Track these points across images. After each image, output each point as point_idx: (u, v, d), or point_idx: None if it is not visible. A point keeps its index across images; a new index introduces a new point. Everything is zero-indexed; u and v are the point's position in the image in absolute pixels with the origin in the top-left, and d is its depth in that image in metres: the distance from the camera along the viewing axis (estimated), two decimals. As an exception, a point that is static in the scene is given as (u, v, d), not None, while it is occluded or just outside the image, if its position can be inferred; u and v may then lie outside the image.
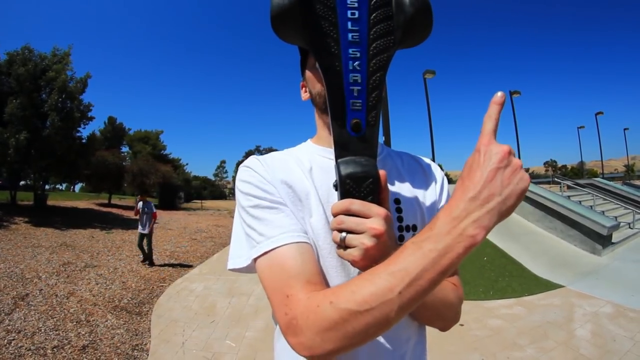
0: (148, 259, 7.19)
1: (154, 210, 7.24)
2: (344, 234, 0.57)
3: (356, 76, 0.60)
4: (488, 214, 0.48)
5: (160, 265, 7.19)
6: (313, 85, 0.75)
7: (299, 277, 0.59)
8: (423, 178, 0.82)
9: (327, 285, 0.64)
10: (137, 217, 7.19)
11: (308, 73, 0.77)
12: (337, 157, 0.62)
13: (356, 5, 0.59)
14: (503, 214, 0.48)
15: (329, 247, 0.68)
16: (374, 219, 0.56)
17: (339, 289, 0.54)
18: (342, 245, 0.58)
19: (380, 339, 0.70)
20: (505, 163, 0.48)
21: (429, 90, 14.44)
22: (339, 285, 0.57)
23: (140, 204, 7.21)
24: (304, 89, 0.83)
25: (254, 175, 0.71)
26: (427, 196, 0.80)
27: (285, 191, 0.70)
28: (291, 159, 0.79)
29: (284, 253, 0.62)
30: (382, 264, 0.52)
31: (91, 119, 14.22)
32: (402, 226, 0.74)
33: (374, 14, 0.60)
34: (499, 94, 0.52)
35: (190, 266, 7.39)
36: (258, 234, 0.65)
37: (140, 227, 7.12)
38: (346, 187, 0.59)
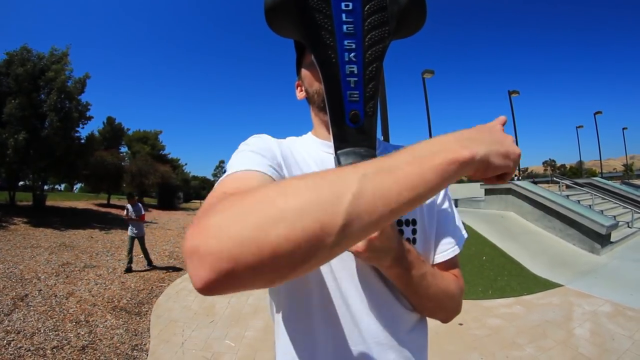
0: (146, 260, 7.02)
1: (143, 212, 6.97)
2: None
3: (352, 67, 0.60)
4: (476, 142, 0.46)
5: (159, 267, 7.18)
6: (310, 83, 0.75)
7: (240, 183, 0.54)
8: None
9: None
10: (127, 219, 6.93)
11: (304, 71, 0.77)
12: (336, 148, 0.62)
13: None
14: (493, 154, 0.47)
15: None
16: None
17: (341, 169, 0.43)
18: None
19: (382, 330, 0.70)
20: (499, 129, 0.53)
21: (427, 89, 14.47)
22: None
23: (130, 207, 6.90)
24: (299, 88, 0.83)
25: (262, 142, 0.72)
26: None
27: (288, 169, 0.70)
28: (293, 144, 0.80)
29: (246, 174, 0.57)
30: None
31: (90, 118, 14.18)
32: (401, 220, 0.75)
33: (368, 5, 0.59)
34: (502, 117, 0.58)
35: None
36: (238, 164, 0.61)
37: (130, 229, 6.87)
38: None
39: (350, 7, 0.59)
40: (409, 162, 0.41)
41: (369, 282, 0.72)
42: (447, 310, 0.78)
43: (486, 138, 0.48)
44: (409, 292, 0.71)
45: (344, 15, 0.59)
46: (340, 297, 0.71)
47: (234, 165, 0.61)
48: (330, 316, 0.71)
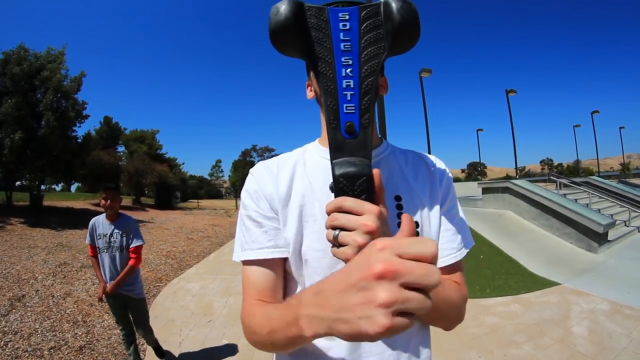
0: (152, 347, 3.38)
1: (141, 242, 2.95)
2: (337, 231, 0.57)
3: (349, 81, 0.63)
4: (318, 320, 0.45)
5: (157, 265, 7.16)
6: (317, 85, 0.75)
7: (253, 289, 0.75)
8: (427, 174, 0.83)
9: (279, 295, 0.78)
10: (92, 256, 2.97)
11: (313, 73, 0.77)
12: (332, 158, 0.64)
13: (347, 17, 0.63)
14: (333, 332, 0.43)
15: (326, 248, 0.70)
16: (366, 215, 0.56)
17: (268, 309, 0.68)
18: (336, 243, 0.58)
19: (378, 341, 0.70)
20: (363, 285, 0.39)
21: (425, 88, 14.47)
22: (273, 305, 0.70)
23: (100, 223, 2.93)
24: (309, 87, 0.84)
25: (255, 188, 0.80)
26: (431, 192, 0.80)
27: (283, 201, 0.77)
28: (295, 162, 0.83)
29: (251, 267, 0.76)
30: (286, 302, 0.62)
31: (86, 117, 14.15)
32: None
33: (365, 24, 0.63)
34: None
35: (186, 266, 7.37)
36: (244, 241, 0.78)
37: (106, 275, 2.88)
38: (339, 185, 0.61)
39: (348, 27, 0.63)
40: (282, 326, 0.56)
41: None
42: (448, 320, 0.76)
43: (330, 311, 0.43)
44: None
45: (341, 34, 0.63)
46: None
47: (242, 242, 0.79)
48: None
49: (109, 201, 2.87)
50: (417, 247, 0.39)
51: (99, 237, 2.90)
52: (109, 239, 2.88)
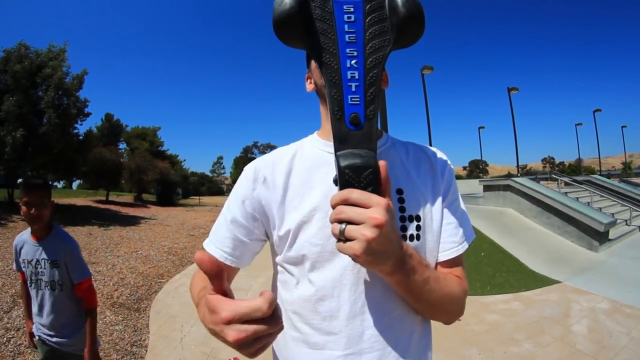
0: None
1: (87, 274, 1.91)
2: (343, 225, 0.55)
3: (354, 73, 0.63)
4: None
5: (158, 262, 7.18)
6: (319, 77, 0.76)
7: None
8: (428, 167, 0.82)
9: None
10: (23, 280, 1.98)
11: (314, 65, 0.77)
12: (336, 150, 0.63)
13: (352, 9, 0.64)
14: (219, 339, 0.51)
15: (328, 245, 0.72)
16: (375, 208, 0.54)
17: (196, 281, 0.79)
18: (342, 238, 0.56)
19: (382, 331, 0.70)
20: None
21: (427, 85, 14.43)
22: (200, 278, 0.77)
23: (27, 241, 1.90)
24: (309, 80, 0.84)
25: (244, 187, 0.82)
26: (432, 185, 0.79)
27: (279, 198, 0.77)
28: (293, 156, 0.82)
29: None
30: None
31: (88, 114, 14.14)
32: (404, 216, 0.73)
33: (370, 17, 0.64)
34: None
35: (188, 262, 7.39)
36: (212, 230, 0.85)
37: (37, 323, 1.86)
38: (345, 177, 0.59)
39: (353, 19, 0.63)
40: (196, 304, 0.66)
41: (368, 283, 0.71)
42: (449, 313, 0.77)
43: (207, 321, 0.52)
44: (411, 298, 0.69)
45: (346, 26, 0.63)
46: (336, 298, 0.72)
47: (214, 227, 0.85)
48: (325, 320, 0.72)
49: (33, 209, 1.74)
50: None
51: (24, 265, 1.90)
52: (35, 268, 1.83)
